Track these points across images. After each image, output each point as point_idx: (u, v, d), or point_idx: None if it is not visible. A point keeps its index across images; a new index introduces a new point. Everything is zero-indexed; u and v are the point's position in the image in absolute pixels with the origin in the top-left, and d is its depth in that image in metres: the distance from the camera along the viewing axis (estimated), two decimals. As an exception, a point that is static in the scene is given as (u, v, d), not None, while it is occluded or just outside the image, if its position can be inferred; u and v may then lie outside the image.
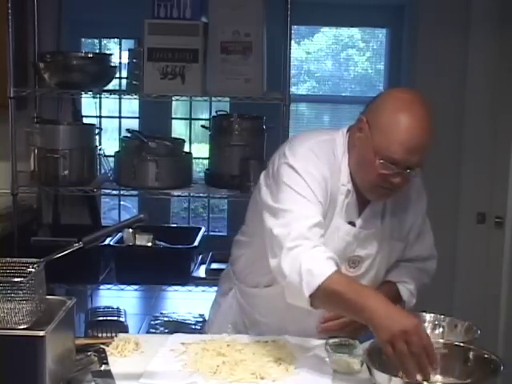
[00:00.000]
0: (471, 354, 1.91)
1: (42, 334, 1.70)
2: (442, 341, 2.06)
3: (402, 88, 2.39)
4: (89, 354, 2.02)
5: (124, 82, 4.48)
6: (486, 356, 1.88)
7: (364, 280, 2.24)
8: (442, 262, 4.38)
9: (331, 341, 2.11)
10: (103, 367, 1.94)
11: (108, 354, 2.05)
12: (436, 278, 4.38)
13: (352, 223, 2.20)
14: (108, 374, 1.90)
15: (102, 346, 2.10)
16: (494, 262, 4.02)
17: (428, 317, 2.23)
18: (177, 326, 4.25)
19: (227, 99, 4.19)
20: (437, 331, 2.20)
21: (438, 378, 1.89)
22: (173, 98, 4.25)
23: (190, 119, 7.71)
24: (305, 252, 1.98)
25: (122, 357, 2.08)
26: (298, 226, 2.03)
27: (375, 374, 1.81)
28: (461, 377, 1.87)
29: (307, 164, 2.12)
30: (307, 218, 2.05)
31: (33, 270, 1.79)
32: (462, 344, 1.99)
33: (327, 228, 2.14)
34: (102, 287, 4.63)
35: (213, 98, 4.19)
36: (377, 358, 1.86)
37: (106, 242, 3.96)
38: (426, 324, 2.22)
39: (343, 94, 7.93)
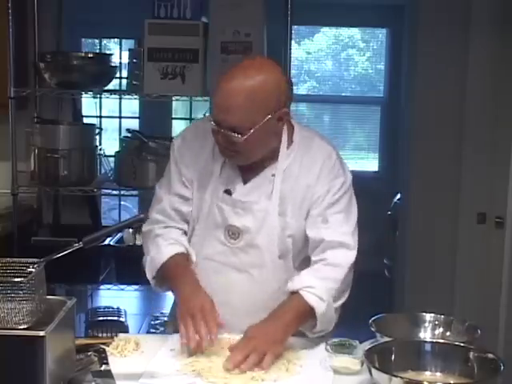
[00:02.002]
0: (471, 354, 1.90)
1: (42, 334, 1.70)
2: (442, 341, 2.06)
3: (254, 55, 2.60)
4: (89, 354, 2.02)
5: (124, 82, 4.48)
6: (486, 356, 1.88)
7: (252, 256, 2.24)
8: (442, 262, 4.42)
9: (331, 341, 2.11)
10: (103, 367, 1.94)
11: (108, 354, 2.04)
12: (436, 277, 4.41)
13: (228, 192, 2.26)
14: (108, 374, 1.90)
15: (102, 346, 2.10)
16: (494, 262, 4.02)
17: (428, 317, 2.22)
18: (177, 327, 4.24)
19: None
20: (437, 331, 2.19)
21: (438, 377, 1.89)
22: (173, 98, 4.24)
23: (191, 119, 7.70)
24: (151, 239, 2.33)
25: (122, 357, 2.08)
26: (152, 211, 2.36)
27: (375, 374, 1.80)
28: (461, 377, 1.86)
29: (178, 148, 2.35)
30: (160, 201, 2.35)
31: (33, 270, 1.79)
32: (462, 344, 1.98)
33: (205, 194, 2.28)
34: (102, 287, 4.62)
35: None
36: (377, 358, 1.86)
37: (106, 242, 3.97)
38: (427, 324, 2.21)
39: (343, 94, 7.94)
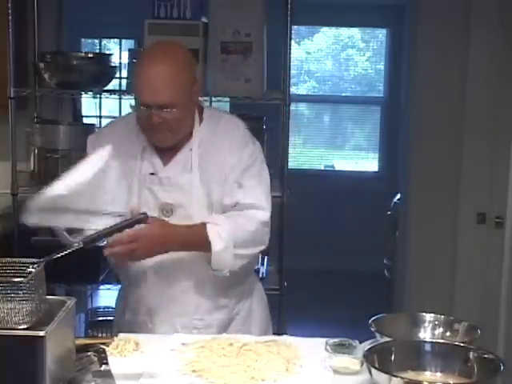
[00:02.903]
0: (471, 354, 1.90)
1: (42, 334, 1.70)
2: (442, 341, 2.06)
3: (156, 42, 2.72)
4: (89, 354, 2.02)
5: (124, 82, 4.48)
6: (486, 356, 1.88)
7: None
8: (442, 262, 4.42)
9: (331, 341, 2.12)
10: (103, 367, 1.94)
11: (108, 354, 2.04)
12: (436, 278, 4.42)
13: (153, 174, 2.43)
14: (108, 374, 1.90)
15: (102, 346, 2.09)
16: (494, 262, 4.02)
17: (428, 317, 2.22)
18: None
19: (227, 99, 4.18)
20: (437, 331, 2.19)
21: (438, 377, 1.89)
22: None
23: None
24: None
25: (122, 357, 2.08)
26: None
27: (375, 374, 1.80)
28: (461, 377, 1.86)
29: (92, 143, 2.50)
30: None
31: (33, 270, 1.79)
32: (462, 344, 1.98)
33: (132, 182, 2.40)
34: (102, 287, 4.62)
35: (213, 98, 4.18)
36: (377, 359, 1.86)
37: (106, 242, 3.96)
38: (426, 324, 2.21)
39: (343, 94, 7.94)
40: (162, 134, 2.36)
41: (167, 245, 2.31)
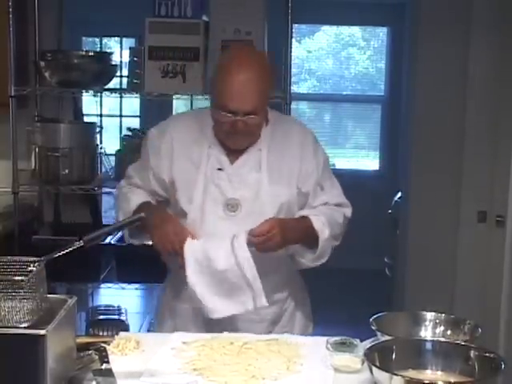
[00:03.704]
0: (472, 353, 1.89)
1: (43, 332, 1.69)
2: (442, 339, 2.06)
3: (232, 46, 2.85)
4: (90, 352, 2.01)
5: (125, 80, 4.48)
6: (487, 354, 1.88)
7: (250, 224, 2.35)
8: (442, 261, 4.42)
9: (332, 340, 2.12)
10: (104, 366, 1.93)
11: (109, 352, 2.04)
12: (437, 276, 4.41)
13: (221, 170, 2.47)
14: (109, 373, 1.90)
15: (103, 345, 2.09)
16: (495, 260, 4.01)
17: (429, 315, 2.22)
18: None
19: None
20: (438, 330, 2.19)
21: (439, 376, 1.89)
22: (174, 97, 4.24)
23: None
24: (121, 195, 2.56)
25: (122, 355, 2.08)
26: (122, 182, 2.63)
27: (376, 372, 1.80)
28: (462, 375, 1.86)
29: (156, 134, 2.57)
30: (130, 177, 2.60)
31: (34, 268, 1.79)
32: (463, 343, 1.98)
33: (197, 177, 2.44)
34: (102, 286, 4.62)
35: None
36: (377, 357, 1.86)
37: (107, 240, 3.97)
38: (427, 323, 2.21)
39: (344, 93, 7.93)
40: (242, 138, 2.43)
41: (289, 236, 2.37)
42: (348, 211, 2.59)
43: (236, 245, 2.32)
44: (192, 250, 2.33)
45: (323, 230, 2.43)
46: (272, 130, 2.51)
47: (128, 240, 2.56)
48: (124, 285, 4.15)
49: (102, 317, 4.32)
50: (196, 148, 2.48)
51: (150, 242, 2.47)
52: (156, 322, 2.73)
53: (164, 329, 2.56)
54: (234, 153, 2.48)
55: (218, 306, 2.33)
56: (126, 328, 4.14)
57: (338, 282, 6.75)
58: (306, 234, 2.44)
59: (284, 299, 2.57)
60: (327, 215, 2.48)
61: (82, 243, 1.88)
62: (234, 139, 2.43)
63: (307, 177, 2.50)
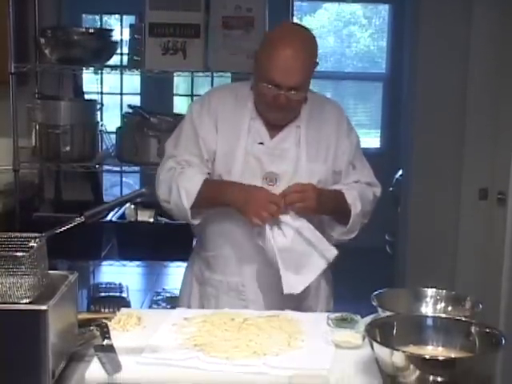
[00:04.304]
0: (473, 329, 1.89)
1: (44, 308, 1.70)
2: (443, 315, 2.06)
3: (284, 23, 2.83)
4: (91, 328, 2.02)
5: (125, 58, 4.46)
6: (487, 330, 1.88)
7: None
8: (443, 238, 4.42)
9: (333, 316, 2.12)
10: (105, 342, 1.93)
11: (110, 328, 2.03)
12: (438, 253, 4.41)
13: (261, 144, 2.50)
14: (110, 349, 1.90)
15: (105, 321, 2.09)
16: (496, 238, 4.01)
17: (430, 292, 2.22)
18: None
19: (229, 75, 4.17)
20: (438, 306, 2.19)
21: (439, 351, 1.89)
22: (174, 74, 4.23)
23: (192, 95, 7.68)
24: (176, 176, 2.47)
25: (124, 331, 2.08)
26: (166, 162, 2.54)
27: (377, 348, 1.81)
28: (463, 351, 1.86)
29: (198, 115, 2.54)
30: (174, 156, 2.53)
31: (34, 244, 1.79)
32: (463, 318, 1.98)
33: (237, 149, 2.48)
34: (104, 263, 4.63)
35: (214, 74, 4.17)
36: (378, 333, 1.86)
37: (108, 217, 3.97)
38: (428, 299, 2.21)
39: (345, 71, 7.90)
40: (283, 113, 2.47)
41: (323, 203, 2.41)
42: (378, 191, 2.64)
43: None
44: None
45: (355, 204, 2.49)
46: (310, 108, 2.55)
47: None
48: (125, 262, 4.15)
49: (103, 294, 4.34)
50: (238, 120, 2.52)
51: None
52: (183, 296, 2.72)
53: (192, 302, 2.60)
54: (273, 128, 2.51)
55: (293, 281, 2.38)
56: (127, 305, 4.16)
57: (339, 259, 6.75)
58: (338, 206, 2.48)
59: None
60: (359, 191, 2.53)
61: (83, 219, 1.87)
62: (276, 113, 2.47)
63: (341, 156, 2.56)
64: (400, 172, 5.48)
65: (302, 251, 2.39)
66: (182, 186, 2.44)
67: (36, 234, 1.82)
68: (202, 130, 2.52)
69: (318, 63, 2.50)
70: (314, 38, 2.50)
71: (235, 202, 2.40)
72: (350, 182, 2.57)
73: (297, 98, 2.42)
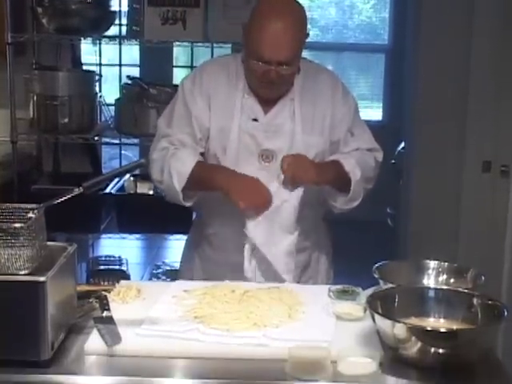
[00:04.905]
0: (475, 301, 1.90)
1: (42, 279, 1.70)
2: (445, 287, 2.06)
3: None
4: (90, 300, 2.02)
5: (124, 29, 4.43)
6: (489, 302, 1.88)
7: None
8: (446, 211, 4.41)
9: (334, 287, 2.12)
10: (105, 314, 1.94)
11: (110, 300, 2.04)
12: (440, 226, 4.41)
13: (256, 120, 2.47)
14: (110, 321, 1.90)
15: (104, 293, 2.09)
16: (499, 210, 4.01)
17: (432, 264, 2.22)
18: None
19: (229, 45, 4.14)
20: (440, 278, 2.19)
21: (441, 323, 1.89)
22: (174, 44, 4.20)
23: (192, 67, 7.64)
24: (169, 157, 2.43)
25: (123, 303, 2.09)
26: (159, 142, 2.50)
27: (378, 320, 1.81)
28: (464, 323, 1.87)
29: (190, 91, 2.49)
30: (167, 135, 2.49)
31: (33, 215, 1.78)
32: (466, 290, 1.99)
33: (231, 126, 2.45)
34: (103, 236, 4.65)
35: (214, 44, 4.14)
36: (380, 305, 1.87)
37: (107, 190, 3.96)
38: (430, 271, 2.21)
39: (347, 42, 7.85)
40: (275, 88, 2.43)
41: (322, 174, 2.39)
42: (379, 155, 2.61)
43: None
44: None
45: (354, 172, 2.45)
46: (303, 79, 2.51)
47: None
48: (125, 235, 4.16)
49: (102, 267, 4.36)
50: (231, 96, 2.47)
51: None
52: (184, 270, 2.72)
53: (194, 276, 2.59)
54: (267, 102, 2.47)
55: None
56: (126, 278, 4.16)
57: (340, 233, 6.75)
58: (338, 176, 2.44)
59: (312, 246, 2.60)
60: (357, 158, 2.50)
61: (81, 190, 1.87)
62: (267, 89, 2.43)
63: (338, 124, 2.52)
64: (402, 144, 5.46)
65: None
66: (173, 168, 2.41)
67: (34, 205, 1.81)
68: (194, 108, 2.48)
69: (308, 34, 2.45)
70: (303, 8, 2.44)
71: (226, 188, 2.36)
72: (349, 150, 2.53)
73: (288, 73, 2.38)
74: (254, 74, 2.39)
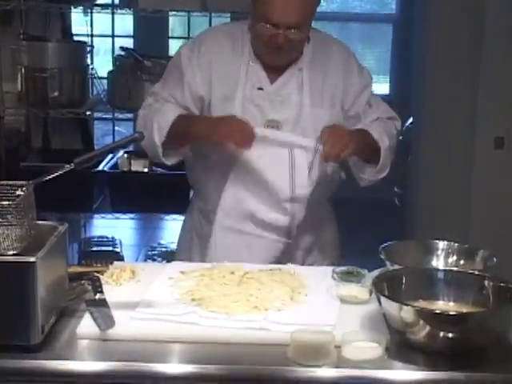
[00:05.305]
0: (486, 283, 1.90)
1: (32, 259, 1.69)
2: (455, 269, 2.07)
3: None
4: (82, 282, 2.02)
5: (117, -3, 4.41)
6: (502, 284, 1.89)
7: None
8: (456, 189, 4.41)
9: (338, 269, 2.12)
10: (98, 296, 1.94)
11: (103, 282, 2.05)
12: (450, 205, 4.41)
13: (261, 89, 2.47)
14: (103, 303, 1.91)
15: (97, 275, 2.10)
16: (511, 187, 4.01)
17: (441, 244, 2.23)
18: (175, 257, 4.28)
19: (228, 14, 4.12)
20: (450, 259, 2.20)
21: (451, 307, 1.90)
22: (169, 13, 4.18)
23: (189, 38, 7.62)
24: (152, 112, 2.46)
25: (117, 285, 2.09)
26: (147, 100, 2.54)
27: (384, 302, 1.81)
28: (475, 306, 1.87)
29: (189, 59, 2.48)
30: (157, 96, 2.52)
31: (21, 193, 1.78)
32: (477, 272, 1.99)
33: (234, 97, 2.44)
34: (95, 216, 4.65)
35: (213, 14, 4.13)
36: (386, 287, 1.87)
37: (100, 167, 3.96)
38: (440, 252, 2.21)
39: (352, 12, 7.82)
40: (282, 53, 2.42)
41: (357, 142, 2.36)
42: (398, 124, 2.62)
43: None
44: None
45: (383, 139, 2.46)
46: (313, 48, 2.51)
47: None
48: (118, 215, 4.16)
49: (95, 248, 4.36)
50: (235, 64, 2.47)
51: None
52: (182, 250, 2.73)
53: (193, 257, 2.59)
54: (273, 71, 2.47)
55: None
56: (120, 260, 4.16)
57: (345, 212, 6.76)
58: (367, 144, 2.44)
59: (318, 227, 2.60)
60: (382, 127, 2.51)
61: (73, 166, 1.86)
62: (274, 55, 2.43)
63: (356, 98, 2.52)
64: (411, 120, 5.45)
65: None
66: (155, 121, 2.43)
67: (23, 182, 1.81)
68: (188, 74, 2.47)
69: (320, 1, 2.46)
70: None
71: (206, 133, 2.37)
72: (370, 120, 2.53)
73: (297, 38, 2.37)
74: (262, 38, 2.38)
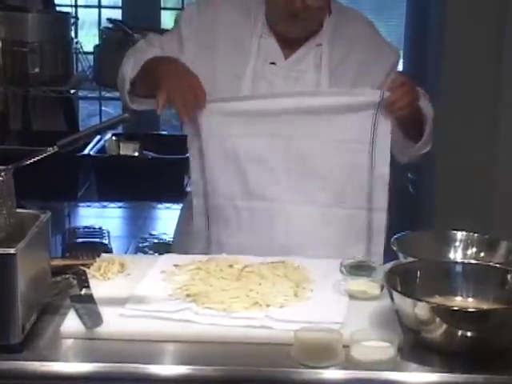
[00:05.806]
0: (509, 277, 1.91)
1: (12, 251, 1.69)
2: (475, 262, 2.07)
3: None
4: (67, 276, 2.04)
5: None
6: (526, 279, 1.90)
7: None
8: (476, 174, 4.40)
9: (347, 262, 2.12)
10: (84, 291, 1.95)
11: (89, 276, 2.06)
12: (469, 192, 4.41)
13: (273, 63, 2.45)
14: (89, 299, 1.92)
15: (83, 268, 2.11)
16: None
17: (459, 235, 2.23)
18: (168, 249, 4.29)
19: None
20: (469, 251, 2.20)
21: (470, 303, 1.91)
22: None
23: (182, 9, 7.62)
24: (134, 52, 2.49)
25: (105, 280, 2.09)
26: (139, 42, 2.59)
27: (397, 298, 1.82)
28: (497, 303, 1.88)
29: (190, 20, 2.47)
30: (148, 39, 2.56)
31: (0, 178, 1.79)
32: (498, 265, 2.00)
33: (245, 71, 2.41)
34: (81, 205, 4.65)
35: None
36: (399, 281, 1.87)
37: (86, 151, 3.96)
38: (457, 243, 2.22)
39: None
40: (298, 22, 2.39)
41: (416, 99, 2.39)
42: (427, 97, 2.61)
43: None
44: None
45: (428, 110, 2.50)
46: (335, 23, 2.49)
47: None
48: (106, 203, 4.17)
49: (80, 240, 4.38)
50: (245, 35, 2.46)
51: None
52: (179, 243, 2.74)
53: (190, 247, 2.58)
54: (289, 46, 2.46)
55: None
56: (108, 252, 4.18)
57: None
58: (418, 109, 2.44)
59: None
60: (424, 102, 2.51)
61: (56, 149, 1.87)
62: (290, 24, 2.40)
63: (388, 76, 2.48)
64: (426, 98, 5.46)
65: None
66: (133, 57, 2.47)
67: (1, 167, 1.81)
68: (191, 44, 2.46)
69: None
70: None
71: (159, 74, 2.34)
72: None
73: (315, 5, 2.34)
74: (277, 3, 2.37)
